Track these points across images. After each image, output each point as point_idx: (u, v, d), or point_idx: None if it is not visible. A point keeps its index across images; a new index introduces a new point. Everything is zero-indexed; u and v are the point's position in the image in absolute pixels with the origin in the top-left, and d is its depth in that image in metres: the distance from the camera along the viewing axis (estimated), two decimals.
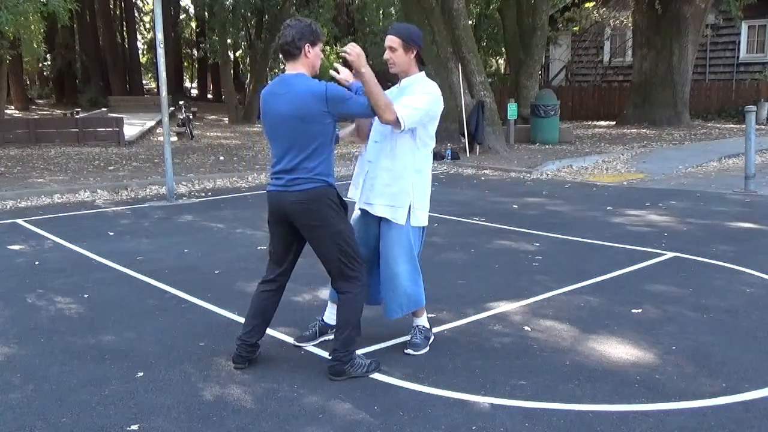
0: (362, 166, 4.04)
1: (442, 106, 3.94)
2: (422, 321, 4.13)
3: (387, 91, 3.94)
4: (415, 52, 3.84)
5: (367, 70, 3.55)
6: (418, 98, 3.77)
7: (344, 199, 3.71)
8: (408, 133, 3.80)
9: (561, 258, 6.23)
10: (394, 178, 3.84)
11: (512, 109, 15.96)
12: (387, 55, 3.83)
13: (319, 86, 3.49)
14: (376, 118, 3.81)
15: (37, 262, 6.31)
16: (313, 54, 3.59)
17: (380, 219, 3.91)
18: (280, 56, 3.86)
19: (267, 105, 3.61)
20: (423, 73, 3.93)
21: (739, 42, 23.46)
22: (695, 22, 20.05)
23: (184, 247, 6.83)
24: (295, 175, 3.55)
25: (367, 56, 3.84)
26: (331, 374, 3.67)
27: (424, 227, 4.02)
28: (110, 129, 17.43)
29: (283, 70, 3.69)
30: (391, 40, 3.81)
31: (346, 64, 3.71)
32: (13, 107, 31.09)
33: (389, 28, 3.89)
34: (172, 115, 18.36)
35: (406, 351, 4.01)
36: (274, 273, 3.83)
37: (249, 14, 27.47)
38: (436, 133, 4.10)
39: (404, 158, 3.84)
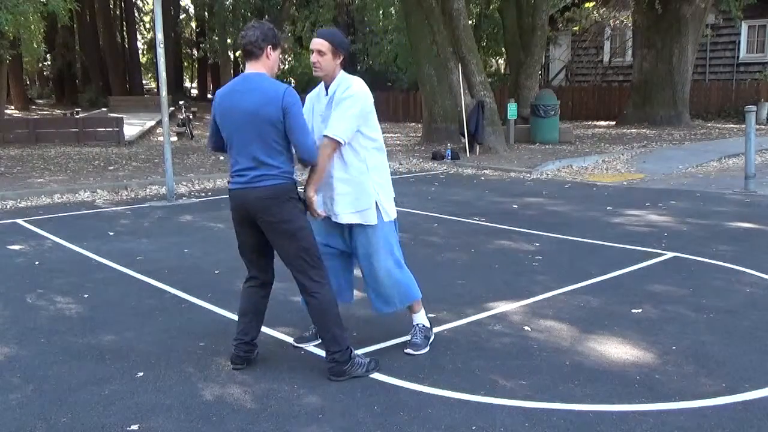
0: None
1: (371, 98, 3.88)
2: (422, 320, 4.13)
3: (313, 98, 3.96)
4: (341, 58, 3.82)
5: (311, 187, 3.72)
6: (340, 110, 3.73)
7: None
8: (355, 142, 3.80)
9: (561, 258, 6.23)
10: (352, 184, 3.83)
11: (512, 109, 15.96)
12: (314, 58, 3.80)
13: (280, 86, 3.54)
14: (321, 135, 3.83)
15: (37, 262, 6.31)
16: (273, 57, 3.64)
17: (349, 224, 3.90)
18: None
19: (228, 102, 3.60)
20: (343, 72, 3.88)
21: (739, 42, 23.46)
22: (695, 22, 20.04)
23: (184, 247, 6.83)
24: (261, 171, 3.55)
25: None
26: (331, 375, 3.66)
27: (395, 220, 4.01)
28: (110, 129, 17.44)
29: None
30: (320, 44, 3.77)
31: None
32: (13, 107, 31.10)
33: (317, 32, 3.88)
34: (172, 115, 18.37)
35: (406, 351, 4.01)
36: (253, 273, 3.84)
37: (249, 14, 27.50)
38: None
39: (355, 162, 3.83)
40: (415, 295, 4.04)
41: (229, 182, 3.71)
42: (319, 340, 4.15)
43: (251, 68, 3.62)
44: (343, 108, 3.74)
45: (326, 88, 3.89)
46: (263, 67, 3.62)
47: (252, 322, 3.83)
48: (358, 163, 3.84)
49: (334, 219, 3.89)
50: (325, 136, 3.71)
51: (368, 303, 4.29)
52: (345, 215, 3.85)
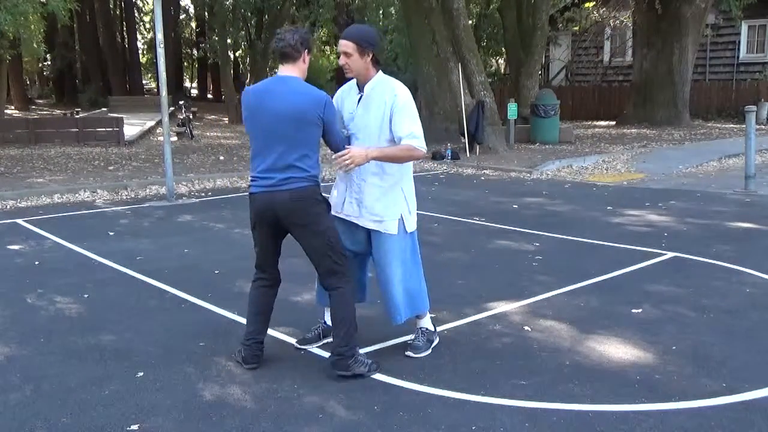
0: (344, 177, 3.94)
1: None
2: (426, 323, 4.11)
3: (344, 91, 3.94)
4: (371, 55, 3.74)
5: (377, 154, 3.65)
6: (408, 116, 3.72)
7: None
8: (392, 144, 3.77)
9: (561, 258, 6.23)
10: (384, 193, 3.82)
11: (512, 109, 15.96)
12: (342, 60, 3.75)
13: (320, 92, 3.58)
14: (350, 133, 3.85)
15: (37, 262, 6.31)
16: (307, 61, 3.68)
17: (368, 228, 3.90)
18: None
19: (259, 102, 3.61)
20: (381, 72, 3.85)
21: (739, 42, 23.46)
22: (695, 22, 20.05)
23: (184, 247, 6.83)
24: (289, 173, 3.57)
25: None
26: (335, 369, 3.66)
27: (414, 231, 3.98)
28: (110, 129, 17.43)
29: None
30: (345, 45, 3.71)
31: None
32: (13, 107, 31.08)
33: (343, 32, 3.82)
34: (172, 115, 18.35)
35: (406, 353, 3.99)
36: (264, 272, 3.88)
37: (249, 14, 27.49)
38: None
39: (391, 170, 3.81)
40: (422, 308, 4.02)
41: (250, 185, 3.72)
42: (322, 342, 4.16)
43: (286, 71, 3.62)
44: (409, 116, 3.72)
45: (359, 87, 3.84)
46: (298, 70, 3.64)
47: (264, 322, 3.87)
48: (394, 170, 3.82)
49: (355, 221, 3.87)
50: (414, 147, 3.69)
51: (369, 305, 4.30)
52: (368, 221, 3.84)
